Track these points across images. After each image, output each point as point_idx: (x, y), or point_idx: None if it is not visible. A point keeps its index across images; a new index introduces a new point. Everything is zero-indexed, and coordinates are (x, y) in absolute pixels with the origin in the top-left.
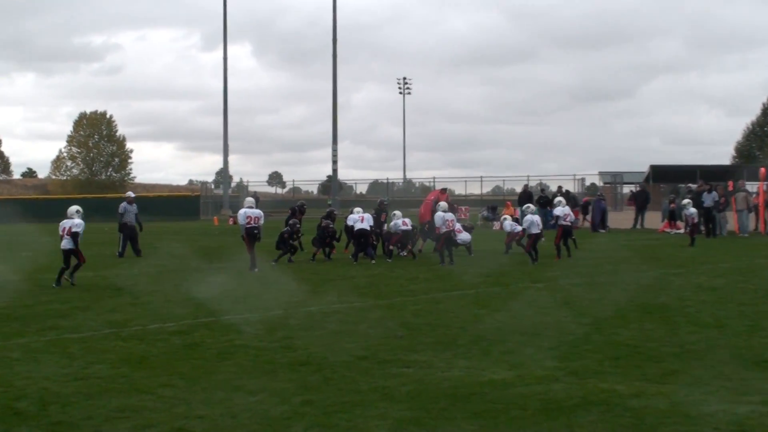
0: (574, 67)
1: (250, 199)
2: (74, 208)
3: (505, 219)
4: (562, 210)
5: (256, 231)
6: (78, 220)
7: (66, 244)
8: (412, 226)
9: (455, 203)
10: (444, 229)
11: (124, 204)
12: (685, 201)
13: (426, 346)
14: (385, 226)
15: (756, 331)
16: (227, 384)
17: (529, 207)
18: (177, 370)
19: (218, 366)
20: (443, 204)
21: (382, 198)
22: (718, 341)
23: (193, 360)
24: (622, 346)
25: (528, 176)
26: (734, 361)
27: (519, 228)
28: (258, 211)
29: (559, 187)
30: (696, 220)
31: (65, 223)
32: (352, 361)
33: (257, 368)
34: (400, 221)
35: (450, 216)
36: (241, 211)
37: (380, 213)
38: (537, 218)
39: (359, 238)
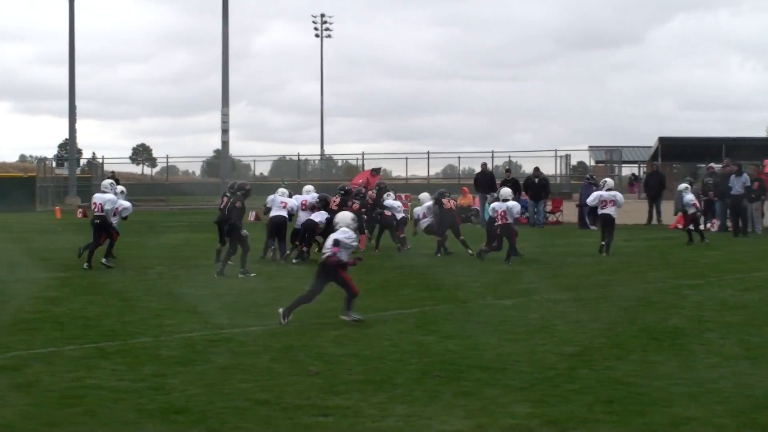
0: (562, 2)
1: (105, 183)
2: (118, 188)
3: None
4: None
5: (97, 221)
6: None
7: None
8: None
9: (393, 189)
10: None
11: None
12: (683, 185)
13: (350, 386)
14: None
15: None
16: None
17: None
18: (2, 422)
19: (60, 415)
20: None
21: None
22: (748, 378)
23: (24, 407)
24: (619, 385)
25: (492, 152)
26: None
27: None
28: (107, 196)
29: (536, 169)
30: (697, 210)
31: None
32: (248, 407)
33: (115, 417)
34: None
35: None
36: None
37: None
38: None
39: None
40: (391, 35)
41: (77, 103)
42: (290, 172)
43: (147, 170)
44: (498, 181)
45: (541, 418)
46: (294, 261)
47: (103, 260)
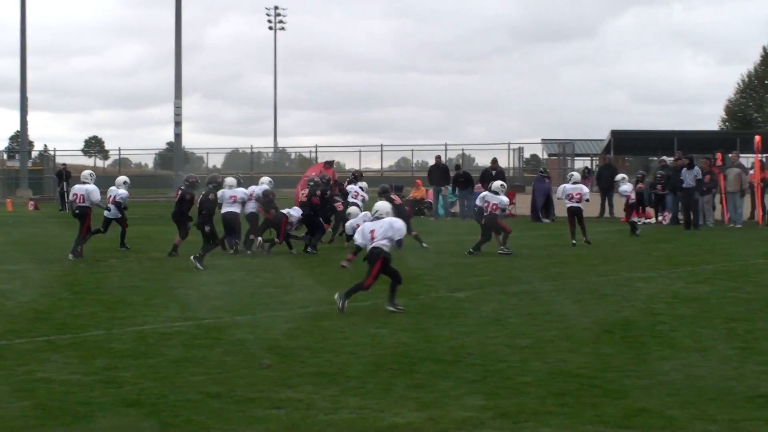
0: None
1: (84, 173)
2: (121, 178)
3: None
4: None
5: (77, 211)
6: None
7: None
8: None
9: (345, 181)
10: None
11: None
12: (621, 176)
13: (303, 379)
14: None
15: (749, 357)
16: None
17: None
18: None
19: (11, 409)
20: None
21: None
22: (699, 370)
23: None
24: (571, 378)
25: (446, 145)
26: (721, 397)
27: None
28: (88, 187)
29: (494, 160)
30: (632, 200)
31: (111, 192)
32: (201, 400)
33: (67, 411)
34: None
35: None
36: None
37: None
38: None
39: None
40: (345, 28)
41: (29, 95)
42: (243, 164)
43: (99, 162)
44: (452, 174)
45: (493, 410)
46: (253, 249)
47: (70, 255)
